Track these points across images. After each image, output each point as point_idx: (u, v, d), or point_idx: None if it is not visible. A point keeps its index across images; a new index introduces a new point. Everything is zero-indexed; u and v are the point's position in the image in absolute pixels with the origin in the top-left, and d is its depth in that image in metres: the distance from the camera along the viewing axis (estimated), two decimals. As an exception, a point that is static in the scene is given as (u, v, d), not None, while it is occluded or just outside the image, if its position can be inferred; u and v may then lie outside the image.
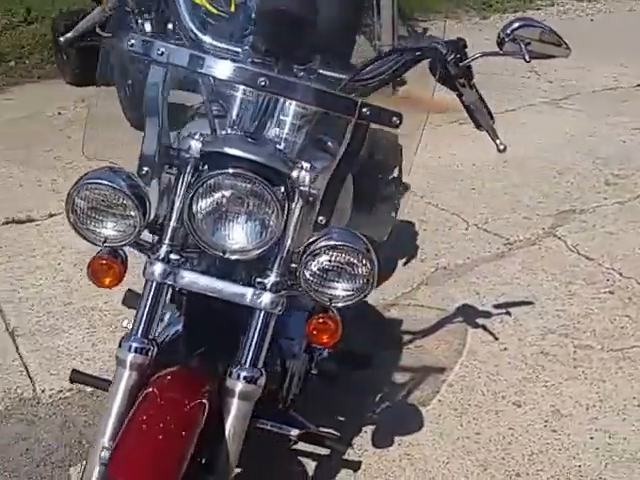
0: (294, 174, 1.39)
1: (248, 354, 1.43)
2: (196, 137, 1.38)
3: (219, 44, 1.52)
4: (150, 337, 1.43)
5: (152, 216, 1.41)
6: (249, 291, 1.43)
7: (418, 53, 1.56)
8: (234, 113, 1.46)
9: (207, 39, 1.51)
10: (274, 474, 2.11)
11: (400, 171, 2.80)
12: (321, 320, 1.47)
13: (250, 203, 1.35)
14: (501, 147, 1.84)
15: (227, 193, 1.35)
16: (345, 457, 2.17)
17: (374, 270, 1.39)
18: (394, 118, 1.38)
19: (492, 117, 1.73)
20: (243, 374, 1.41)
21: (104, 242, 1.39)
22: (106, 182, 1.34)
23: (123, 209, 1.36)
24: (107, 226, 1.39)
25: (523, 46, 1.64)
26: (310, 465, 2.16)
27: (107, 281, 1.45)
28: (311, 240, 1.38)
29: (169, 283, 1.43)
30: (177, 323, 1.66)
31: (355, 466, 2.15)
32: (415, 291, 2.93)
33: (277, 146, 1.45)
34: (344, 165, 1.41)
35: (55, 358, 2.50)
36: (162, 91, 1.38)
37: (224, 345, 1.51)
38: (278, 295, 1.43)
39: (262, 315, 1.43)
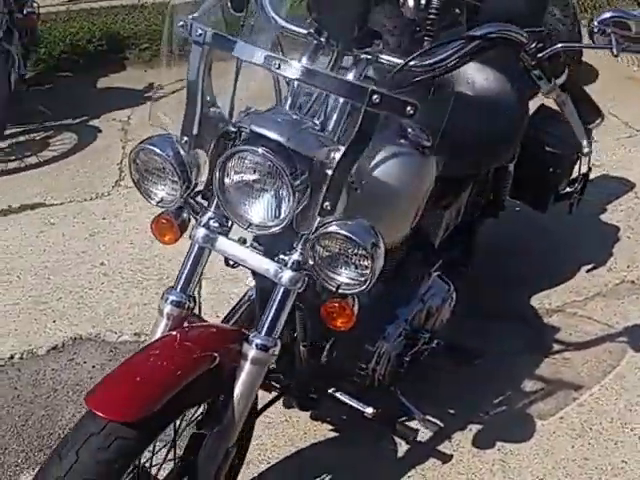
0: (318, 159, 1.42)
1: (265, 324, 1.51)
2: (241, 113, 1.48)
3: (290, 26, 1.58)
4: (188, 293, 1.58)
5: (196, 183, 1.54)
6: (272, 266, 1.51)
7: (489, 41, 1.50)
8: (285, 94, 1.53)
9: (280, 20, 1.59)
10: (363, 449, 2.15)
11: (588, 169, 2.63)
12: (336, 304, 1.50)
13: (268, 182, 1.42)
14: (585, 150, 1.71)
15: (250, 170, 1.42)
16: (439, 448, 2.15)
17: (374, 265, 1.41)
18: (408, 108, 1.35)
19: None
20: (257, 341, 1.50)
21: (158, 202, 1.56)
22: (154, 148, 1.50)
23: (170, 174, 1.51)
24: (159, 188, 1.55)
25: (613, 39, 1.51)
26: (402, 447, 2.17)
27: (166, 238, 1.61)
28: (320, 225, 1.42)
29: (208, 247, 1.56)
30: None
31: (445, 459, 2.15)
32: (587, 301, 2.75)
33: (310, 130, 1.48)
34: (351, 153, 1.42)
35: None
36: (202, 69, 1.48)
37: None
38: (298, 273, 1.48)
39: (282, 290, 1.50)
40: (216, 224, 1.55)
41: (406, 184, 1.66)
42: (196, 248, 1.57)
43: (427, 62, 1.53)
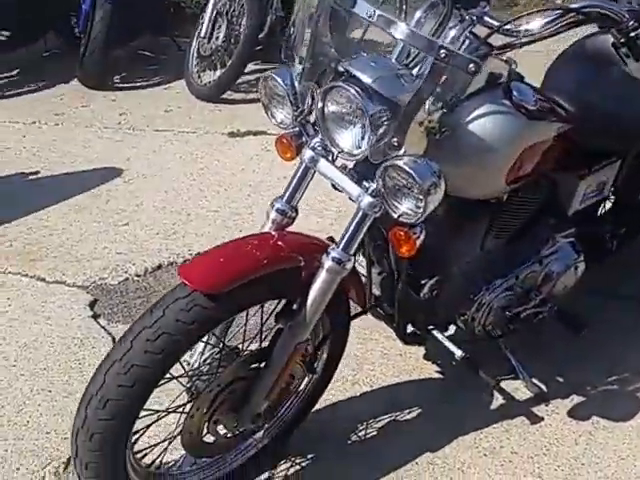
0: (396, 101, 1.55)
1: (343, 241, 1.69)
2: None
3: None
4: (292, 204, 1.80)
5: (310, 111, 1.73)
6: (357, 190, 1.68)
7: (586, 15, 1.52)
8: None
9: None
10: (459, 394, 2.26)
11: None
12: (401, 232, 1.64)
13: (355, 116, 1.59)
14: None
15: (343, 103, 1.60)
16: (533, 409, 2.20)
17: (427, 203, 1.54)
18: (471, 65, 1.44)
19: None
20: (333, 254, 1.68)
21: (279, 123, 1.79)
22: (276, 77, 1.72)
23: (286, 100, 1.73)
24: (279, 111, 1.78)
25: None
26: (498, 401, 2.24)
27: (287, 155, 1.84)
28: (390, 157, 1.57)
29: (311, 167, 1.76)
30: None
31: (535, 420, 2.19)
32: None
33: (398, 76, 1.60)
34: (417, 101, 1.52)
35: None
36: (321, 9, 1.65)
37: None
38: (375, 200, 1.64)
39: (360, 213, 1.67)
40: (321, 148, 1.74)
41: (498, 140, 1.70)
42: (303, 167, 1.79)
43: (521, 28, 1.58)
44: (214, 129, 4.01)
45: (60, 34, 4.81)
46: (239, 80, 4.53)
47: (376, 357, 2.42)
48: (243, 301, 1.67)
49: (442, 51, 1.47)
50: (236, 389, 1.77)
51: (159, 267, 2.86)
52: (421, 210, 1.56)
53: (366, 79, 1.57)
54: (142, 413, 1.64)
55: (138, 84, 4.66)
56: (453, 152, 1.68)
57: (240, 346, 1.84)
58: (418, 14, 1.69)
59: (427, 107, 1.56)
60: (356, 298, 1.94)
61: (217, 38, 4.47)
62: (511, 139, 1.73)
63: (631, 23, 1.57)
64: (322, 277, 1.70)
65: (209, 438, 1.84)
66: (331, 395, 2.26)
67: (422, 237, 1.68)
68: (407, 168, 1.52)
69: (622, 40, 1.57)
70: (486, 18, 1.63)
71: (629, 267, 2.70)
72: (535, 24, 1.59)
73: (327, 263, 1.69)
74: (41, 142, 3.83)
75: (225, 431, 1.85)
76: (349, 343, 2.00)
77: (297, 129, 1.79)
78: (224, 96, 4.46)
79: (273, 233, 1.76)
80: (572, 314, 2.20)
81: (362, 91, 1.55)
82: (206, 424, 1.78)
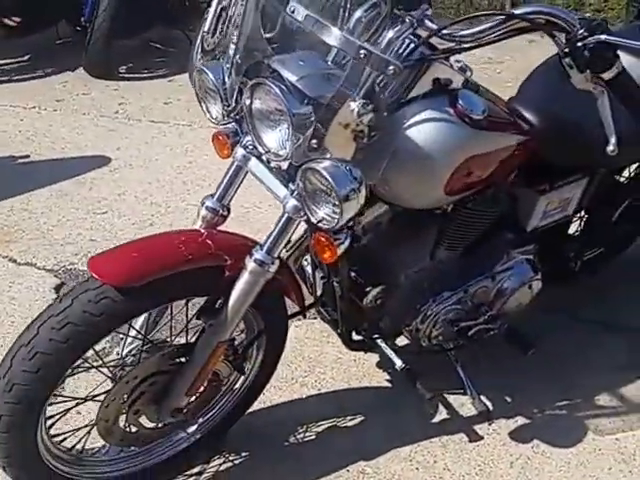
0: (320, 102, 1.50)
1: (267, 243, 1.66)
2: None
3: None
4: (224, 203, 1.77)
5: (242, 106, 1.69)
6: (283, 192, 1.64)
7: (531, 22, 1.48)
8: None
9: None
10: (407, 407, 2.22)
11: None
12: (322, 238, 1.61)
13: (279, 115, 1.55)
14: (610, 148, 1.60)
15: (269, 101, 1.56)
16: (474, 427, 2.16)
17: (343, 210, 1.49)
18: (390, 67, 1.40)
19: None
20: (256, 256, 1.65)
21: (212, 119, 1.77)
22: (206, 70, 1.70)
23: (215, 95, 1.70)
24: (211, 106, 1.75)
25: None
26: (441, 415, 2.20)
27: (223, 152, 1.81)
28: (309, 160, 1.53)
29: (242, 166, 1.74)
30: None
31: (474, 438, 2.14)
32: None
33: (325, 76, 1.55)
34: (337, 101, 1.47)
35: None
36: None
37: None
38: (300, 203, 1.60)
39: (285, 216, 1.64)
40: (252, 147, 1.71)
41: (436, 148, 1.66)
42: (234, 165, 1.76)
43: (463, 33, 1.54)
44: (209, 123, 3.98)
45: (70, 22, 4.84)
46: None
47: (329, 361, 2.39)
48: (158, 296, 1.65)
49: (362, 51, 1.42)
50: (157, 382, 1.76)
51: (128, 256, 2.85)
52: (337, 217, 1.51)
53: (291, 77, 1.53)
54: (58, 399, 1.64)
55: (143, 75, 4.66)
56: (390, 158, 1.64)
57: (166, 340, 1.81)
58: (358, 13, 1.63)
59: (356, 110, 1.50)
60: (294, 299, 1.90)
61: (220, 32, 4.45)
62: (450, 148, 1.68)
63: (581, 32, 1.52)
64: (244, 278, 1.68)
65: (132, 428, 1.82)
66: (277, 396, 2.26)
67: (346, 244, 1.64)
68: (325, 172, 1.48)
69: (566, 50, 1.52)
70: (426, 21, 1.59)
71: (602, 290, 2.62)
72: (477, 29, 1.56)
73: (250, 264, 1.66)
74: (36, 127, 3.85)
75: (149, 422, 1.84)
76: (304, 344, 1.97)
77: (233, 126, 1.76)
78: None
79: (200, 230, 1.74)
80: (521, 334, 2.15)
81: (287, 89, 1.51)
82: (125, 414, 1.77)
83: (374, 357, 2.38)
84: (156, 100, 4.27)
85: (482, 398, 2.15)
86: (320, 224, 1.57)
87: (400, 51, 1.58)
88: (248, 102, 1.59)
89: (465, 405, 2.21)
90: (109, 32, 4.47)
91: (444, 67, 1.66)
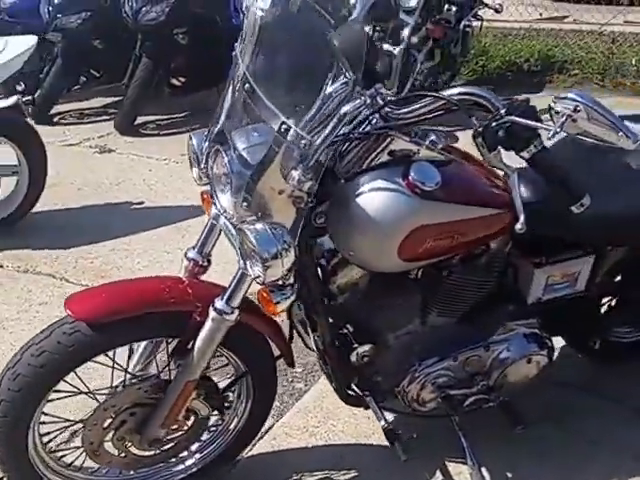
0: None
1: (226, 293, 1.80)
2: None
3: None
4: (204, 254, 1.94)
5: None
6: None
7: (456, 103, 1.56)
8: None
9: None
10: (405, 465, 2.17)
11: None
12: (264, 293, 1.72)
13: (226, 179, 1.71)
14: (518, 226, 1.61)
15: (220, 166, 1.73)
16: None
17: (266, 271, 1.61)
18: (303, 141, 1.55)
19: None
20: (217, 305, 1.78)
21: (196, 180, 1.95)
22: (192, 137, 1.89)
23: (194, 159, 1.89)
24: (194, 169, 1.93)
25: (563, 120, 1.45)
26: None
27: (208, 210, 1.96)
28: (243, 220, 1.66)
29: (215, 222, 1.89)
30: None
31: None
32: None
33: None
34: (262, 168, 1.62)
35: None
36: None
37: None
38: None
39: (240, 271, 1.77)
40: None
41: (382, 216, 1.72)
42: (210, 221, 1.92)
43: (401, 111, 1.62)
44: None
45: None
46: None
47: (344, 415, 2.44)
48: (128, 334, 1.83)
49: (284, 126, 1.54)
50: (137, 413, 1.92)
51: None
52: (263, 277, 1.62)
53: (239, 146, 1.69)
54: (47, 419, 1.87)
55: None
56: (344, 223, 1.73)
57: (148, 374, 1.98)
58: (329, 89, 1.73)
59: (296, 177, 1.61)
60: (277, 344, 2.01)
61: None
62: (397, 217, 1.74)
63: (503, 111, 1.56)
64: (207, 324, 1.81)
65: (120, 453, 1.99)
66: (286, 442, 2.35)
67: (288, 301, 1.74)
68: (249, 234, 1.61)
69: (479, 129, 1.56)
70: (378, 99, 1.68)
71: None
72: (411, 108, 1.63)
73: (212, 313, 1.80)
74: (158, 177, 4.27)
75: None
76: (326, 396, 2.03)
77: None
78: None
79: (176, 278, 1.91)
80: (515, 410, 2.10)
81: (234, 157, 1.67)
82: (110, 439, 1.94)
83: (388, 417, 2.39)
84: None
85: (482, 470, 2.11)
86: (255, 280, 1.69)
87: (352, 124, 1.69)
88: (210, 166, 1.76)
89: (463, 474, 2.17)
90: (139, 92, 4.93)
91: (401, 142, 1.73)
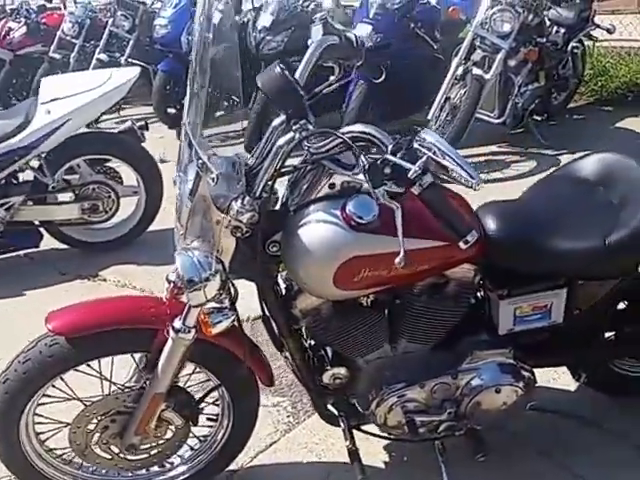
0: None
1: (183, 314, 1.91)
2: None
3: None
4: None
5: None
6: None
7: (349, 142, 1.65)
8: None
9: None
10: None
11: None
12: (203, 315, 1.84)
13: None
14: (397, 260, 1.63)
15: None
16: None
17: (188, 295, 1.74)
18: (212, 176, 1.68)
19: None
20: (174, 324, 1.91)
21: None
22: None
23: None
24: None
25: (424, 160, 1.56)
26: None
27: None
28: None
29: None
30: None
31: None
32: None
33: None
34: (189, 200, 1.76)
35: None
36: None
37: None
38: None
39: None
40: None
41: (317, 246, 1.77)
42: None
43: (314, 145, 1.72)
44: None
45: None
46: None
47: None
48: (100, 348, 1.99)
49: (200, 161, 1.67)
50: (117, 420, 2.08)
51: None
52: (189, 300, 1.75)
53: (188, 177, 1.81)
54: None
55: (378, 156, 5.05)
56: (290, 252, 1.81)
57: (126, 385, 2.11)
58: (277, 121, 1.87)
59: (235, 209, 1.73)
60: (252, 364, 2.09)
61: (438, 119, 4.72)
62: (330, 247, 1.78)
63: (390, 147, 1.62)
64: (169, 342, 1.94)
65: (106, 455, 2.15)
66: (286, 456, 2.45)
67: (225, 324, 1.84)
68: (177, 260, 1.74)
69: (366, 167, 1.61)
70: (303, 133, 1.74)
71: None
72: (316, 145, 1.71)
73: (170, 331, 1.93)
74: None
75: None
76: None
77: None
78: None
79: (150, 297, 2.08)
80: (480, 437, 2.07)
81: (185, 188, 1.81)
82: (95, 442, 2.11)
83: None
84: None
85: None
86: (189, 303, 1.81)
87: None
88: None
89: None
90: (355, 119, 4.96)
91: (341, 175, 1.79)
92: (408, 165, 1.59)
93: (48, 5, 8.43)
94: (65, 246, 4.17)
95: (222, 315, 1.85)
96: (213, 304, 1.82)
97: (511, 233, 1.96)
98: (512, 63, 4.79)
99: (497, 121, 4.90)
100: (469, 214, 1.95)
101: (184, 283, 1.73)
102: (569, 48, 5.31)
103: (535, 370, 2.13)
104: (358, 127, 1.70)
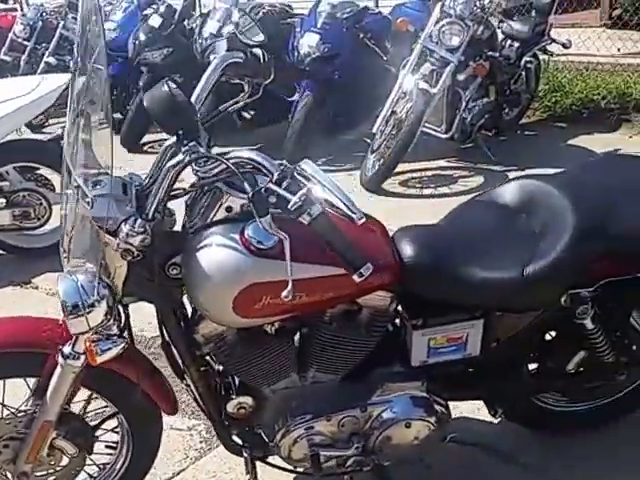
0: None
1: (72, 339, 1.81)
2: None
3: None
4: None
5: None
6: None
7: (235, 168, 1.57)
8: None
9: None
10: None
11: None
12: (88, 342, 1.72)
13: None
14: (284, 294, 1.55)
15: None
16: None
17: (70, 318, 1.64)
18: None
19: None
20: (63, 349, 1.79)
21: None
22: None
23: None
24: None
25: (303, 192, 1.51)
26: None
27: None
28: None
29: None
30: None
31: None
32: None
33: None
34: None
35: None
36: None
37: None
38: None
39: None
40: None
41: (216, 271, 1.68)
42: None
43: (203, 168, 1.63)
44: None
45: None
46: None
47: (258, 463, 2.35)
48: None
49: (75, 184, 1.59)
50: (9, 445, 1.95)
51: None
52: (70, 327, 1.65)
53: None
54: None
55: (334, 168, 5.01)
56: (189, 275, 1.71)
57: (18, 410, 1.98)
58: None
59: (125, 230, 1.63)
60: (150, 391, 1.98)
61: (383, 133, 4.61)
62: (229, 273, 1.68)
63: (275, 176, 1.54)
64: (58, 368, 1.82)
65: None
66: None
67: (114, 351, 1.73)
68: (59, 281, 1.64)
69: (250, 194, 1.52)
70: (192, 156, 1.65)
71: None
72: (207, 168, 1.61)
73: (60, 357, 1.80)
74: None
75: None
76: None
77: None
78: (387, 187, 4.58)
79: (47, 319, 1.93)
80: (387, 476, 1.98)
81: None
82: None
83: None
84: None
85: None
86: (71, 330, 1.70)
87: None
88: None
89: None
90: (301, 130, 4.93)
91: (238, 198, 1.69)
92: (289, 196, 1.50)
93: (2, 6, 8.24)
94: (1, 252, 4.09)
95: (110, 343, 1.73)
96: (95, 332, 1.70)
97: (426, 259, 1.87)
98: (461, 77, 4.72)
99: (444, 136, 4.83)
100: (384, 240, 1.87)
101: (65, 309, 1.61)
102: (522, 63, 5.26)
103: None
104: (245, 153, 1.61)
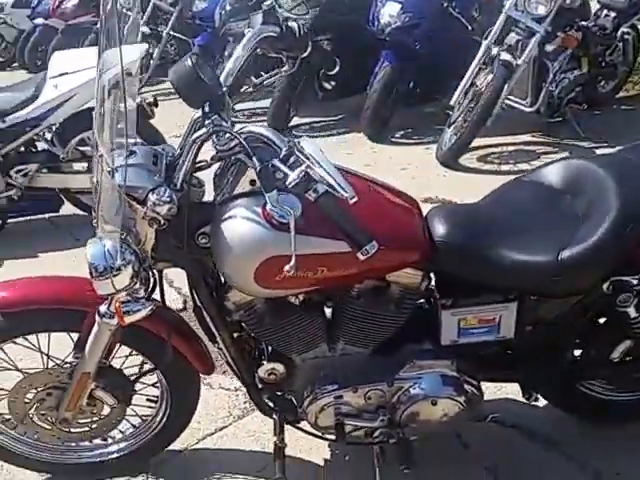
0: None
1: (107, 299, 1.88)
2: None
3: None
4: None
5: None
6: None
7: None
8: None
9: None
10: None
11: None
12: (117, 304, 1.79)
13: None
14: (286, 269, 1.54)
15: None
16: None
17: (98, 279, 1.71)
18: None
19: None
20: (99, 308, 1.87)
21: None
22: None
23: None
24: None
25: (302, 169, 1.53)
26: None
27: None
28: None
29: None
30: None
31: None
32: None
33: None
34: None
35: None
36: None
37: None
38: None
39: None
40: None
41: (237, 242, 1.69)
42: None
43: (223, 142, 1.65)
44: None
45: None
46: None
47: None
48: (32, 325, 1.99)
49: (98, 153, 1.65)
50: (52, 393, 2.08)
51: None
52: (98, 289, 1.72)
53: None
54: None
55: (412, 141, 4.95)
56: (216, 245, 1.74)
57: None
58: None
59: (152, 201, 1.68)
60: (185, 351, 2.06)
61: (461, 106, 4.50)
62: (250, 245, 1.69)
63: (283, 152, 1.55)
64: (95, 325, 1.91)
65: (45, 425, 2.16)
66: (229, 442, 2.41)
67: (139, 315, 1.80)
68: (87, 247, 1.70)
69: (257, 169, 1.53)
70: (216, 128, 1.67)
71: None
72: (222, 143, 1.65)
73: (97, 315, 1.89)
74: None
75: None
76: None
77: None
78: (464, 162, 4.49)
79: (85, 279, 2.02)
80: (409, 448, 1.97)
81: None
82: (32, 412, 2.12)
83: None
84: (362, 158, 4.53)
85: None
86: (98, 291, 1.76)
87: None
88: None
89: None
90: (378, 101, 4.88)
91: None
92: (289, 172, 1.50)
93: (97, -20, 8.44)
94: (83, 213, 4.22)
95: (140, 304, 1.80)
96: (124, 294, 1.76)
97: (458, 238, 1.83)
98: (549, 48, 4.52)
99: (530, 109, 4.65)
100: (414, 217, 1.85)
101: (92, 272, 1.67)
102: (619, 33, 4.99)
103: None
104: (256, 129, 1.61)
